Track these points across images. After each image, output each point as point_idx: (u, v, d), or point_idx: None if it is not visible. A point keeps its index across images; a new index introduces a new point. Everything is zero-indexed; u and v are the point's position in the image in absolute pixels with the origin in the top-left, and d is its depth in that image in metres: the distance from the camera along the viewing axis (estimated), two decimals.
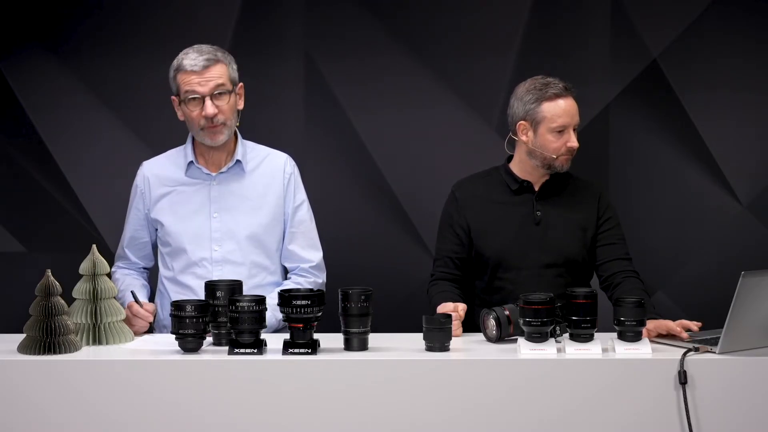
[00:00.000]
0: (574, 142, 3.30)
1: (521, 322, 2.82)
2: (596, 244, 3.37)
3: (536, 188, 3.37)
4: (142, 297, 3.26)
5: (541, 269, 3.30)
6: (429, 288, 3.39)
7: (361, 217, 4.22)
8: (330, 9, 4.17)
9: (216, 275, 3.29)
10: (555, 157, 3.31)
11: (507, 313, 2.88)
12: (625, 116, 4.15)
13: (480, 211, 3.39)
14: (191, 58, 3.23)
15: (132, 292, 3.16)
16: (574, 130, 3.31)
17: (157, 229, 3.39)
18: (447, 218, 3.44)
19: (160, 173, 3.38)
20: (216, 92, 3.23)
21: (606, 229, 3.37)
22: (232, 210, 3.34)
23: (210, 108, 3.22)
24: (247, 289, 3.16)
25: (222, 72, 3.25)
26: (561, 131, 3.30)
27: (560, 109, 3.29)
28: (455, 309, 3.04)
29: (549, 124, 3.29)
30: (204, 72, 3.22)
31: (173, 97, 3.30)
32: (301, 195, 3.43)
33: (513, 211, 3.36)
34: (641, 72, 4.13)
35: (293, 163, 3.45)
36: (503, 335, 2.90)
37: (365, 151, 4.20)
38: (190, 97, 3.23)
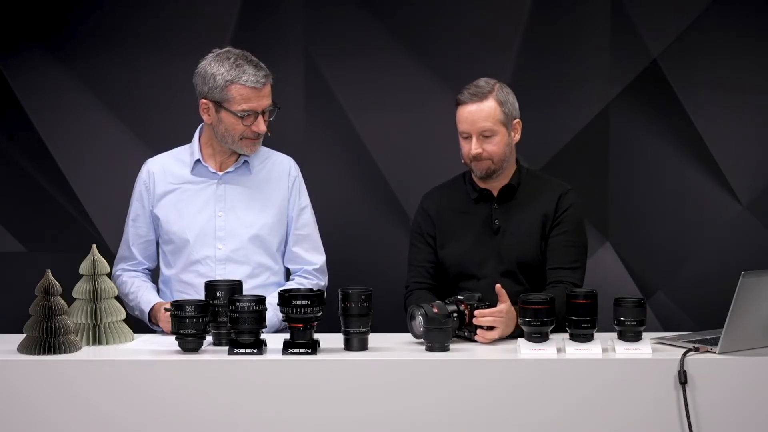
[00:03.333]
0: (470, 150, 3.25)
1: (521, 321, 2.83)
2: (545, 247, 3.31)
3: (495, 195, 3.35)
4: (155, 298, 3.30)
5: (498, 278, 3.25)
6: (406, 299, 3.38)
7: (361, 217, 4.22)
8: (330, 9, 4.17)
9: (219, 274, 3.30)
10: (468, 163, 3.31)
11: (435, 310, 2.85)
12: (625, 116, 4.15)
13: (443, 221, 3.37)
14: (251, 73, 3.25)
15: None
16: (485, 137, 3.24)
17: (159, 227, 3.39)
18: (417, 228, 3.43)
19: (166, 170, 3.39)
20: (268, 109, 3.30)
21: (555, 234, 3.29)
22: (237, 209, 3.35)
23: (263, 125, 3.28)
24: (250, 289, 3.17)
25: (270, 89, 3.31)
26: (466, 137, 3.29)
27: (461, 115, 3.28)
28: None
29: (458, 128, 3.30)
30: (262, 89, 3.27)
31: (206, 101, 3.28)
32: (305, 198, 3.45)
33: (473, 221, 3.35)
34: (641, 72, 4.13)
35: (297, 166, 3.48)
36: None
37: (365, 151, 4.20)
38: (249, 112, 3.25)
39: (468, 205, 3.37)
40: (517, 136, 3.33)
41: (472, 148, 3.25)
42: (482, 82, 3.29)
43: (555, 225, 3.29)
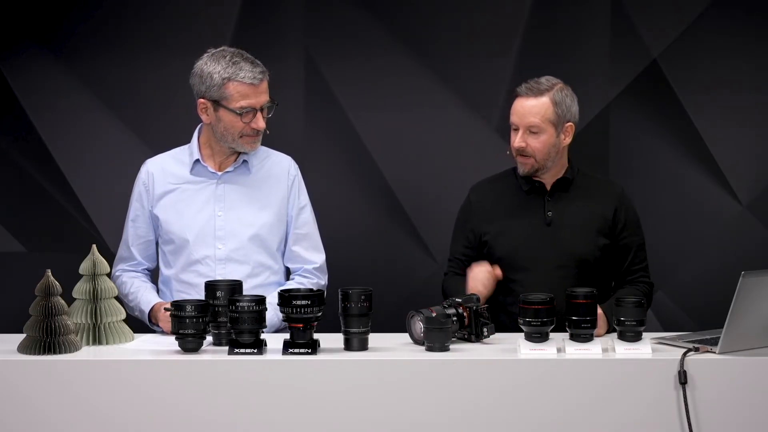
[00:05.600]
0: (514, 142, 3.31)
1: (521, 322, 2.83)
2: (615, 251, 3.34)
3: (548, 188, 3.37)
4: (155, 299, 3.30)
5: (551, 271, 3.28)
6: (443, 284, 3.42)
7: (361, 217, 4.22)
8: (330, 9, 4.17)
9: (219, 273, 3.30)
10: (514, 156, 3.34)
11: (434, 315, 2.86)
12: (625, 116, 4.15)
13: (492, 214, 3.39)
14: (248, 70, 3.24)
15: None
16: (531, 131, 3.29)
17: (159, 227, 3.39)
18: (461, 220, 3.46)
19: (165, 170, 3.39)
20: (266, 105, 3.29)
21: (626, 237, 3.35)
22: (237, 209, 3.35)
23: (261, 121, 3.28)
24: (250, 288, 3.17)
25: (267, 86, 3.30)
26: (515, 129, 3.33)
27: (514, 107, 3.34)
28: (492, 270, 3.18)
29: (510, 119, 3.35)
30: (260, 85, 3.27)
31: (203, 100, 3.28)
32: (305, 197, 3.45)
33: (524, 213, 3.36)
34: (641, 72, 4.13)
35: (296, 165, 3.47)
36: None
37: (365, 151, 4.20)
38: (248, 109, 3.25)
39: (519, 197, 3.39)
40: (568, 140, 3.34)
41: (516, 141, 3.30)
42: (544, 79, 3.34)
43: (622, 228, 3.35)
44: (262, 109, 3.28)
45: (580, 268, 3.30)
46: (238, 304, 2.75)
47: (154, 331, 3.28)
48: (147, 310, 3.27)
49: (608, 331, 3.04)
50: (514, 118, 3.33)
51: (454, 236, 3.47)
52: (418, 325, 2.85)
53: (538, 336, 2.81)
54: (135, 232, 3.40)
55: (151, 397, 2.69)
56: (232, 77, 3.24)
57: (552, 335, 2.85)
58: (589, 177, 3.44)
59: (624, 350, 2.77)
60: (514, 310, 3.25)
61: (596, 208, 3.35)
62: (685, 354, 2.70)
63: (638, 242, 3.37)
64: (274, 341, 2.81)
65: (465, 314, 2.91)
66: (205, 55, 3.31)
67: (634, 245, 3.35)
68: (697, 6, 4.10)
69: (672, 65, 4.12)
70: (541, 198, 3.37)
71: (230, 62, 3.25)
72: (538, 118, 3.28)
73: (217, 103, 3.26)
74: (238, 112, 3.25)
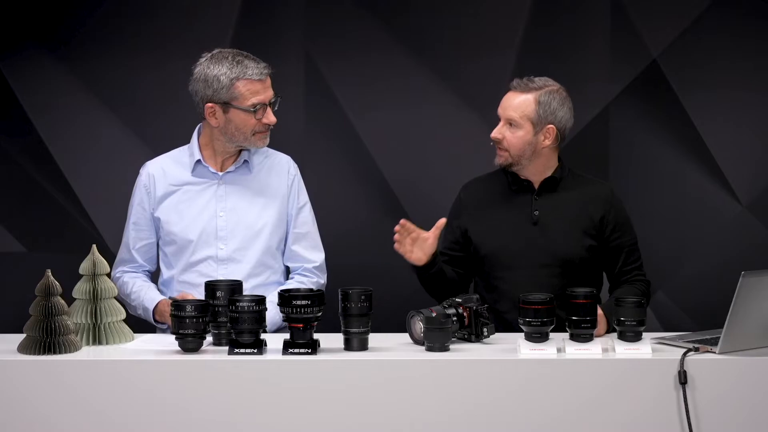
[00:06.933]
0: (494, 131, 3.36)
1: (521, 322, 2.83)
2: (606, 252, 3.35)
3: (536, 187, 3.38)
4: (159, 296, 3.32)
5: (536, 269, 3.29)
6: None
7: (361, 217, 4.21)
8: (330, 8, 4.17)
9: (221, 273, 3.30)
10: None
11: (434, 314, 2.86)
12: (625, 116, 4.15)
13: (480, 211, 3.40)
14: (253, 66, 3.26)
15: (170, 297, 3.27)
16: (510, 125, 3.33)
17: (160, 229, 3.39)
18: (450, 216, 3.47)
19: (166, 172, 3.39)
20: (273, 99, 3.31)
21: (617, 238, 3.35)
22: (238, 209, 3.35)
23: (272, 116, 3.30)
24: (251, 288, 3.18)
25: (270, 81, 3.33)
26: (499, 120, 3.38)
27: (502, 99, 3.38)
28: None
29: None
30: (266, 80, 3.29)
31: (212, 104, 3.27)
32: (304, 196, 3.46)
33: (512, 211, 3.37)
34: (641, 72, 4.13)
35: (295, 164, 3.48)
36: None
37: (365, 151, 4.20)
38: (260, 105, 3.25)
39: (507, 196, 3.40)
40: (547, 142, 3.34)
41: (495, 130, 3.35)
42: (539, 78, 3.37)
43: (613, 230, 3.35)
44: (270, 104, 3.29)
45: (565, 267, 3.30)
46: (238, 304, 2.75)
47: (157, 330, 3.28)
48: (151, 308, 3.28)
49: (608, 331, 3.04)
50: (498, 109, 3.38)
51: (444, 230, 3.49)
52: (418, 325, 2.85)
53: (538, 336, 2.81)
54: (136, 235, 3.40)
55: (151, 397, 2.69)
56: (240, 76, 3.24)
57: (552, 335, 2.85)
58: (579, 177, 3.44)
59: (624, 350, 2.77)
60: (499, 308, 3.27)
61: (584, 208, 3.36)
62: (685, 354, 2.70)
63: (630, 242, 3.37)
64: (274, 341, 2.81)
65: (465, 314, 2.91)
66: (203, 59, 3.30)
67: (626, 245, 3.36)
68: (697, 6, 4.10)
69: (672, 65, 4.12)
70: (528, 197, 3.37)
71: (234, 62, 3.25)
72: (518, 113, 3.31)
73: (226, 105, 3.26)
74: (251, 109, 3.25)
